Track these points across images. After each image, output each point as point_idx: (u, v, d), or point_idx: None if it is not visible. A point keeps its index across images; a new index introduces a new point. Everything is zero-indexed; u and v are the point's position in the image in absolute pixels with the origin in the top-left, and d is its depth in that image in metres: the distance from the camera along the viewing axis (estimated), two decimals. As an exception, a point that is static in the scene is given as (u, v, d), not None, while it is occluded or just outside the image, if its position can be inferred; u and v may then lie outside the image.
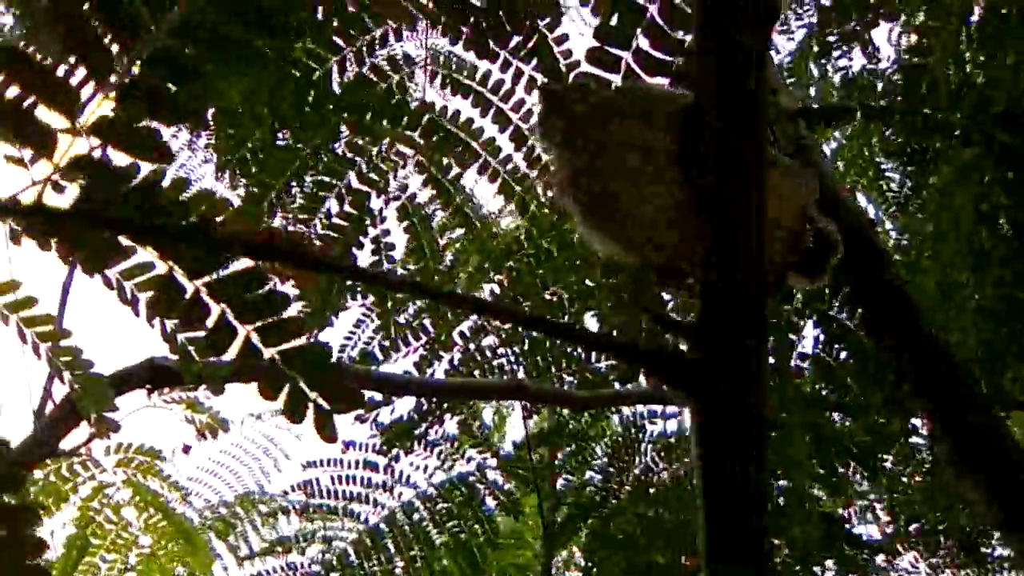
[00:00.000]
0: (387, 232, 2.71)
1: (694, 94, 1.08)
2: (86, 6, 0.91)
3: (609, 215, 1.16)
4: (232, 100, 2.26)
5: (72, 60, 0.90)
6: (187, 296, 0.98)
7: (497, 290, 3.47)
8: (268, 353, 0.99)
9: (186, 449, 4.57)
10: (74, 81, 0.89)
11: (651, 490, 4.15)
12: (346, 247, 2.59)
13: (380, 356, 3.49)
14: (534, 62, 2.37)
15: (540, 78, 2.39)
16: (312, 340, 1.00)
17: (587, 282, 3.41)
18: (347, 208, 2.58)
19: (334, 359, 1.04)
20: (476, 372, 3.59)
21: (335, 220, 2.54)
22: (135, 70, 0.92)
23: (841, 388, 2.59)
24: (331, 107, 2.21)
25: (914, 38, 2.12)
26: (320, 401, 0.99)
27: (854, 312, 2.39)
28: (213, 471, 4.99)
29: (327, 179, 2.55)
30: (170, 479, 4.36)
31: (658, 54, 1.49)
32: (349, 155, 2.55)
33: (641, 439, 4.29)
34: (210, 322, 0.97)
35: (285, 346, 0.99)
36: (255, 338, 0.98)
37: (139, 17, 0.90)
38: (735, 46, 0.99)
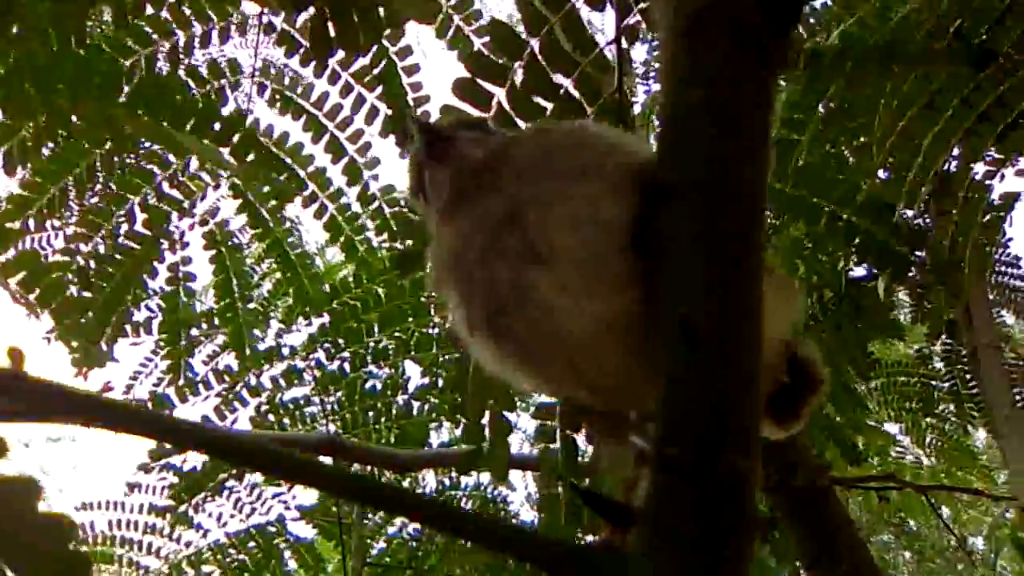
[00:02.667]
0: (189, 260, 2.32)
1: (656, 149, 0.71)
2: None
3: (521, 324, 0.74)
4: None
5: None
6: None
7: (314, 331, 3.18)
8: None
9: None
10: None
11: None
12: (133, 272, 2.17)
13: (175, 399, 3.11)
14: (379, 89, 2.11)
15: (383, 108, 2.13)
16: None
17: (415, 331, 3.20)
18: (139, 227, 2.16)
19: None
20: (286, 420, 3.27)
21: (123, 240, 2.11)
22: None
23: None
24: (119, 102, 1.78)
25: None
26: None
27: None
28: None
29: (117, 190, 2.12)
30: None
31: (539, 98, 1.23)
32: (148, 166, 2.14)
33: (456, 494, 4.13)
34: None
35: None
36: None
37: None
38: (742, 74, 0.63)
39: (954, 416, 4.12)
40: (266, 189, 2.25)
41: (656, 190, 0.67)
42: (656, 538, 0.60)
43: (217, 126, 1.87)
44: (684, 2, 0.65)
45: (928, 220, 2.79)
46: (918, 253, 2.03)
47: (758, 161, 0.65)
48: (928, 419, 4.34)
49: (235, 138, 1.91)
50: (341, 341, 3.11)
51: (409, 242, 1.36)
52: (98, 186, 2.08)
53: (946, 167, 2.45)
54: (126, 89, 1.75)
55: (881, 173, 2.20)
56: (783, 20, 0.62)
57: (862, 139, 2.05)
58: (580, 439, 1.63)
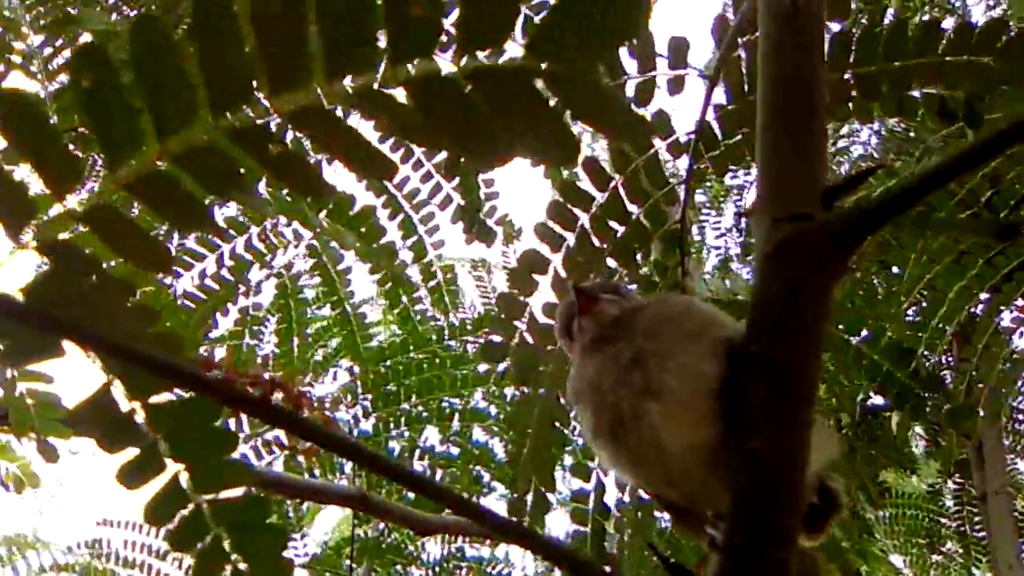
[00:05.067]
0: (259, 306, 2.53)
1: (746, 327, 0.95)
2: None
3: (634, 437, 1.01)
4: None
5: None
6: (118, 413, 0.77)
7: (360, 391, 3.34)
8: (197, 498, 0.79)
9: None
10: None
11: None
12: (210, 311, 2.39)
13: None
14: (456, 180, 2.32)
15: (457, 197, 2.34)
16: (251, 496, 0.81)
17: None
18: (224, 273, 2.39)
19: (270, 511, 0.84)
20: (316, 471, 3.41)
21: (207, 281, 2.34)
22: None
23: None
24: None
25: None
26: (240, 566, 0.78)
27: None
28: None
29: (213, 239, 2.36)
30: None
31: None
32: (242, 219, 2.38)
33: (460, 563, 4.20)
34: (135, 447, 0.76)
35: (220, 495, 0.78)
36: (183, 478, 0.77)
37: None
38: (810, 280, 0.87)
39: (960, 557, 4.14)
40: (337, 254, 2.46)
41: (741, 355, 0.94)
42: None
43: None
44: (775, 229, 0.89)
45: (950, 362, 2.91)
46: (934, 395, 2.17)
47: (815, 341, 0.90)
48: (934, 556, 4.35)
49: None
50: (376, 401, 3.26)
51: (499, 338, 1.57)
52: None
53: (973, 318, 2.58)
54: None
55: (907, 318, 2.36)
56: (848, 247, 0.87)
57: (893, 288, 2.21)
58: (609, 526, 1.79)
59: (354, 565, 3.92)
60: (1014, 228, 1.83)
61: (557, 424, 1.73)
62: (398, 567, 4.16)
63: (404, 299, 2.56)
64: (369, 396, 3.27)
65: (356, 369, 3.18)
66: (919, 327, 2.29)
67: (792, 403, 0.88)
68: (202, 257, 2.33)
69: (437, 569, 4.25)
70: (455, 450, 3.52)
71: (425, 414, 3.31)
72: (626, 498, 1.86)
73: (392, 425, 3.36)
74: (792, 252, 0.87)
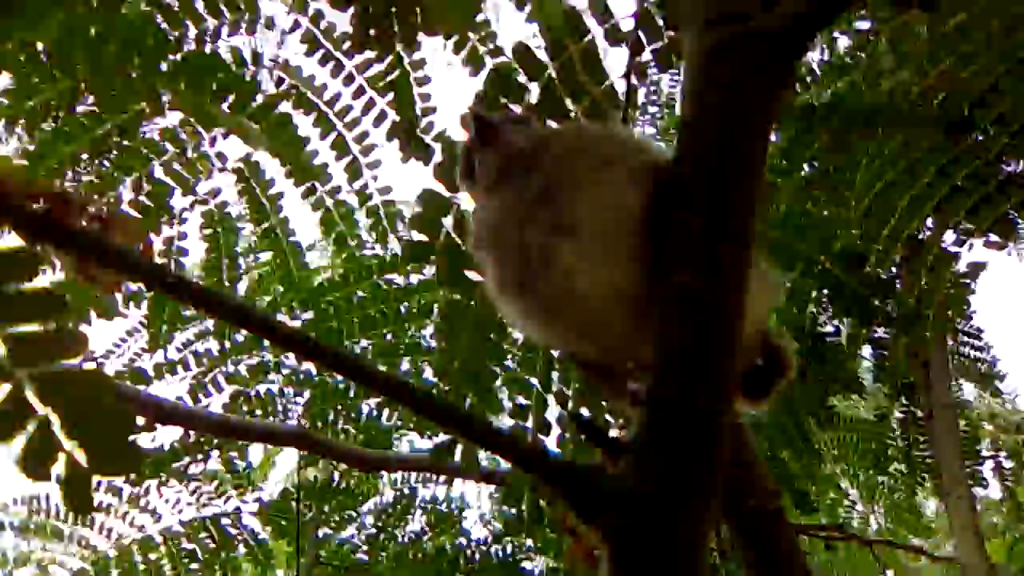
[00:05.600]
0: (184, 235, 2.38)
1: (675, 149, 0.83)
2: None
3: (545, 283, 0.87)
4: (46, 34, 1.85)
5: None
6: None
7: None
8: (17, 373, 0.68)
9: None
10: None
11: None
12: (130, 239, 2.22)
13: (151, 374, 3.14)
14: (390, 96, 2.20)
15: (392, 114, 2.22)
16: (85, 365, 0.69)
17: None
18: (143, 199, 2.22)
19: (111, 391, 0.72)
20: (258, 411, 3.31)
21: (125, 207, 2.18)
22: None
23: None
24: (163, 73, 1.84)
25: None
26: (78, 455, 0.68)
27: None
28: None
29: (126, 160, 2.18)
30: None
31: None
32: (160, 141, 2.21)
33: (411, 504, 4.17)
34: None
35: (45, 368, 0.68)
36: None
37: None
38: (748, 87, 0.75)
39: (905, 478, 4.21)
40: (267, 177, 2.32)
41: (668, 182, 0.81)
42: (641, 462, 0.74)
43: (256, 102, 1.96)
44: (707, 35, 0.77)
45: (898, 280, 2.90)
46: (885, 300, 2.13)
47: (756, 160, 0.78)
48: (880, 478, 4.42)
49: (271, 117, 1.99)
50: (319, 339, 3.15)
51: (420, 236, 1.44)
52: (112, 153, 2.14)
53: (919, 235, 2.55)
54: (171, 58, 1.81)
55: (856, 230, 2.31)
56: (790, 52, 0.75)
57: (845, 194, 2.16)
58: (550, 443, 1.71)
59: (302, 509, 3.86)
60: (968, 123, 1.78)
61: (493, 337, 1.63)
62: (350, 512, 4.12)
63: (340, 225, 2.43)
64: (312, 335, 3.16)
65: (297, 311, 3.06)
66: (869, 236, 2.25)
67: (727, 233, 0.77)
68: (118, 181, 2.17)
69: (389, 511, 4.22)
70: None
71: (370, 351, 3.21)
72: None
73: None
74: (728, 58, 0.75)
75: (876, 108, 1.85)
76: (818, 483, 4.05)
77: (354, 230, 2.46)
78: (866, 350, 3.50)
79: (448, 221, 1.46)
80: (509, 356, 1.70)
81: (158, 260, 2.35)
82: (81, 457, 0.68)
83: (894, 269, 2.95)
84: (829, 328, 3.45)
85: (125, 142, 2.12)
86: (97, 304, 1.18)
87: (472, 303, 1.53)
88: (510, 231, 0.89)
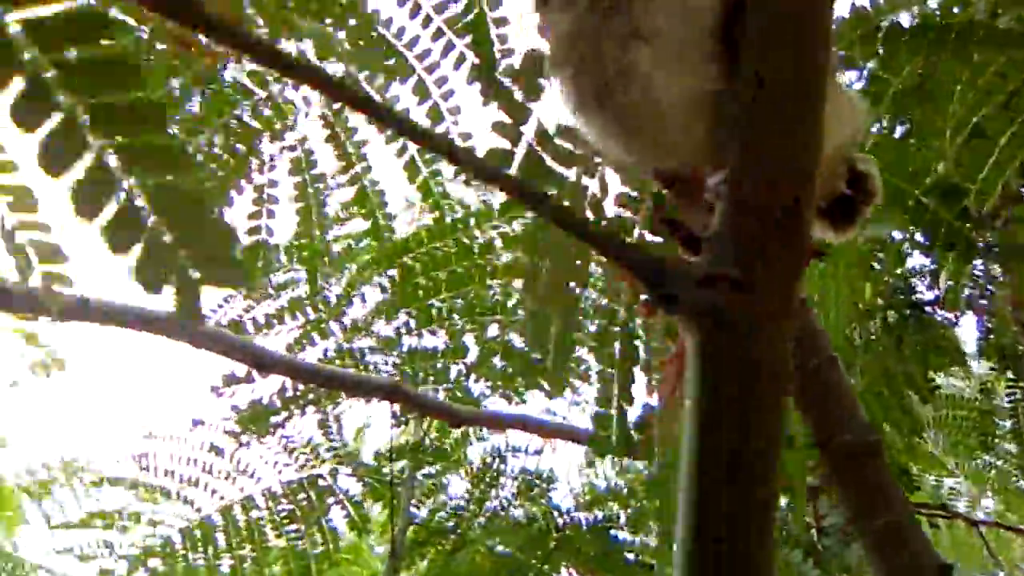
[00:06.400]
0: (275, 183, 2.46)
1: None
2: None
3: (623, 94, 0.89)
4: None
5: None
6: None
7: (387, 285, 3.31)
8: (126, 181, 0.67)
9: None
10: None
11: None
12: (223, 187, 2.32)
13: (251, 330, 3.27)
14: (468, 38, 2.22)
15: (471, 56, 2.24)
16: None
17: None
18: (234, 141, 2.30)
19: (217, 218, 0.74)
20: (351, 370, 3.40)
21: (217, 150, 2.26)
22: None
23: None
24: None
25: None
26: (188, 265, 0.69)
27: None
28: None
29: (214, 106, 2.26)
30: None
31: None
32: (247, 84, 2.29)
33: (501, 472, 4.19)
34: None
35: (153, 178, 0.67)
36: (112, 158, 0.65)
37: None
38: None
39: (1015, 457, 4.02)
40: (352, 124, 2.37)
41: None
42: (718, 256, 0.78)
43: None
44: None
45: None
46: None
47: None
48: (986, 456, 4.24)
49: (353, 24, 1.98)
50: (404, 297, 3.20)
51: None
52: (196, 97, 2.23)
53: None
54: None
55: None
56: None
57: (938, 123, 2.06)
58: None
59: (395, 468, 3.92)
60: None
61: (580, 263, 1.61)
62: (442, 477, 4.17)
63: (423, 171, 2.46)
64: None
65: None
66: (967, 174, 2.14)
67: (803, 32, 0.78)
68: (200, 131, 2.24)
69: (479, 477, 4.24)
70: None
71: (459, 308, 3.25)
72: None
73: (424, 321, 3.32)
74: None
75: (968, 25, 1.76)
76: (919, 459, 3.90)
77: (437, 177, 2.49)
78: (969, 323, 3.34)
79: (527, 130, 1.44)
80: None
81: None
82: (191, 266, 0.69)
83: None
84: (928, 296, 3.31)
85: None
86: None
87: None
88: (585, 45, 0.91)
